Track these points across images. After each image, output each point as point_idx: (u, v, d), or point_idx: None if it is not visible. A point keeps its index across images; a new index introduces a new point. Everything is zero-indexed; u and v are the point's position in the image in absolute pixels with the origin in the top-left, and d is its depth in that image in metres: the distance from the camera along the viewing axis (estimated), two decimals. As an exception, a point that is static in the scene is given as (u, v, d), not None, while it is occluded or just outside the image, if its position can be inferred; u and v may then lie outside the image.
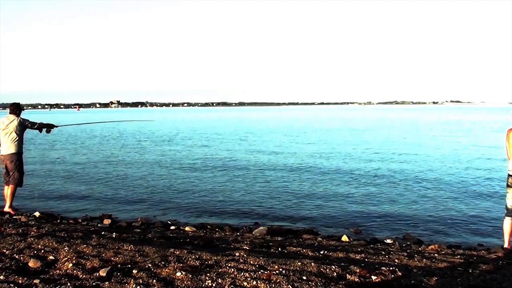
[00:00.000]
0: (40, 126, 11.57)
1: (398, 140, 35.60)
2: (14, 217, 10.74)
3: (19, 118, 11.44)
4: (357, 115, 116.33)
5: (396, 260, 6.90)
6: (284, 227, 10.86)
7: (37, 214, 11.39)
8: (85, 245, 6.96)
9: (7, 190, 11.40)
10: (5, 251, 6.71)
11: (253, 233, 10.10)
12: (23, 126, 11.36)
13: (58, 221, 10.82)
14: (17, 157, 11.29)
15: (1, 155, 11.38)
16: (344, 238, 9.77)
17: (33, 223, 9.73)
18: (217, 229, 10.50)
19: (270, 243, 8.21)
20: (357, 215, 12.30)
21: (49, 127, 11.83)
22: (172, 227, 10.66)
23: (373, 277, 5.61)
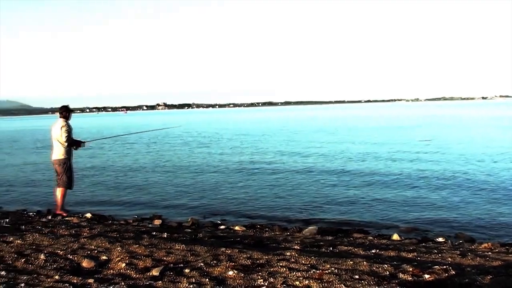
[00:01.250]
0: (70, 143, 11.62)
1: (447, 138, 34.74)
2: (66, 218, 10.96)
3: (64, 122, 11.60)
4: (405, 113, 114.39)
5: (449, 259, 6.74)
6: (334, 227, 10.77)
7: (88, 215, 11.60)
8: (137, 245, 7.04)
9: (58, 193, 11.65)
10: (59, 251, 6.85)
11: (303, 232, 10.03)
12: (64, 129, 11.44)
13: (109, 222, 10.98)
14: (65, 161, 11.51)
15: (52, 160, 11.65)
16: (395, 236, 9.60)
17: (85, 224, 9.92)
18: (266, 229, 10.48)
19: (320, 243, 8.14)
20: (408, 213, 12.12)
21: (78, 144, 11.91)
22: (222, 227, 10.69)
23: (426, 276, 5.50)
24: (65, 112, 11.75)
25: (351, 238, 9.22)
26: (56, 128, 11.52)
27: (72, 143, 11.65)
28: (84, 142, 12.23)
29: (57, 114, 12.00)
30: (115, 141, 42.41)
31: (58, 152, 11.48)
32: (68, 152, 11.57)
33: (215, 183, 17.05)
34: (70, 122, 11.82)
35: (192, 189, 15.86)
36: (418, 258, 6.70)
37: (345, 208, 12.75)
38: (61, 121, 11.56)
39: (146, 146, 35.31)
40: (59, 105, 12.11)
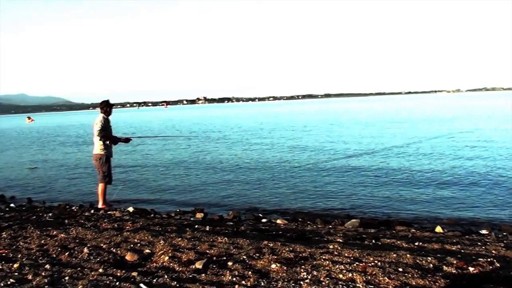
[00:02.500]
0: (105, 138, 11.71)
1: (488, 130, 33.95)
2: (109, 212, 11.13)
3: (101, 116, 11.67)
4: (446, 104, 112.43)
5: (494, 251, 6.63)
6: (377, 219, 10.67)
7: (131, 209, 11.75)
8: (180, 239, 7.09)
9: (99, 188, 11.82)
10: (102, 245, 6.96)
11: (345, 225, 9.96)
12: (99, 123, 11.52)
13: (152, 215, 11.10)
14: (101, 156, 11.60)
15: (92, 154, 11.81)
16: (438, 229, 9.48)
17: (127, 218, 10.05)
18: (308, 222, 10.43)
19: (363, 235, 8.08)
20: (451, 205, 11.93)
21: (115, 140, 11.99)
22: (264, 220, 10.68)
23: (471, 269, 5.43)
24: (106, 107, 11.84)
25: (394, 231, 9.12)
26: (95, 123, 11.64)
27: (106, 138, 11.70)
28: (127, 138, 12.36)
29: (98, 110, 12.12)
30: (157, 132, 43.00)
31: (95, 147, 11.63)
32: (105, 148, 11.63)
33: (256, 177, 17.03)
34: (110, 117, 11.96)
35: (233, 183, 15.90)
36: (462, 251, 6.60)
37: (387, 201, 12.60)
38: (99, 116, 11.70)
39: (186, 140, 35.61)
40: (99, 101, 12.22)
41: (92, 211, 11.26)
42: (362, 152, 22.66)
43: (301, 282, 5.10)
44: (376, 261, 5.71)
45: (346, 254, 6.10)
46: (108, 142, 11.74)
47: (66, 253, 6.56)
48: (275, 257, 6.01)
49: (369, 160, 20.01)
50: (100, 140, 11.59)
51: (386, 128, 38.35)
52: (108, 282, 5.27)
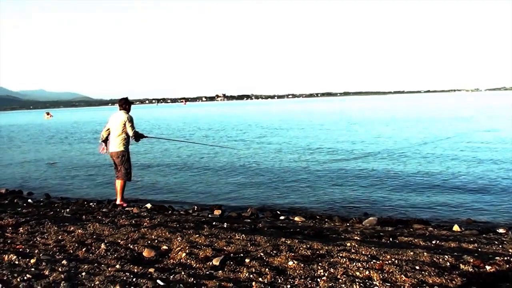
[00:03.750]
0: (136, 136, 11.84)
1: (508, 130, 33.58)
2: (127, 209, 11.20)
3: (127, 114, 11.79)
4: (465, 102, 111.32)
5: (510, 250, 6.58)
6: (394, 217, 10.66)
7: (148, 206, 11.81)
8: (197, 235, 7.13)
9: (118, 184, 11.90)
10: (120, 241, 7.01)
11: (363, 223, 9.96)
12: (130, 122, 11.69)
13: (169, 212, 11.17)
14: (123, 153, 11.68)
15: (110, 152, 11.88)
16: (456, 228, 9.46)
17: (145, 214, 10.12)
18: (326, 220, 10.45)
19: (380, 233, 8.07)
20: (469, 204, 11.91)
21: (141, 137, 12.09)
22: (281, 217, 10.70)
23: (488, 267, 5.43)
24: (125, 104, 11.94)
25: (411, 229, 9.10)
26: (116, 120, 11.70)
27: (138, 136, 11.87)
28: (146, 136, 12.45)
29: (117, 106, 12.19)
30: (173, 132, 43.24)
31: (116, 144, 11.67)
32: (126, 145, 11.73)
33: (274, 175, 16.99)
34: (131, 114, 12.05)
35: (252, 181, 15.90)
36: (479, 249, 6.58)
37: (405, 200, 12.56)
38: (123, 114, 11.71)
39: (203, 138, 35.73)
40: (118, 97, 12.30)
41: (110, 207, 11.34)
42: (380, 152, 22.54)
43: (318, 280, 5.10)
44: (393, 259, 5.72)
45: (363, 252, 6.10)
46: (133, 140, 11.89)
47: (83, 249, 6.62)
48: (292, 254, 6.02)
49: (387, 159, 19.92)
50: (134, 138, 11.75)
51: (405, 127, 38.13)
52: (125, 278, 5.31)
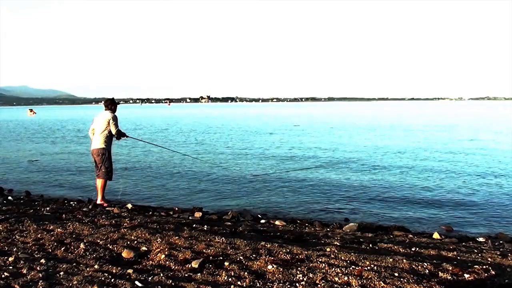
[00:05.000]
0: (118, 134, 11.88)
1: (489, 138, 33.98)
2: (107, 208, 11.15)
3: (112, 114, 11.83)
4: (449, 110, 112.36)
5: (489, 259, 6.67)
6: (375, 224, 10.71)
7: (129, 206, 11.75)
8: (177, 237, 7.11)
9: (98, 183, 11.84)
10: (99, 241, 6.97)
11: (343, 229, 9.99)
12: (114, 121, 11.70)
13: (150, 213, 11.11)
14: (104, 151, 11.65)
15: (91, 149, 11.84)
16: (436, 235, 9.54)
17: (125, 214, 10.08)
18: (307, 224, 10.47)
19: (360, 239, 8.10)
20: (449, 212, 12.01)
21: (123, 135, 12.12)
22: (262, 221, 10.70)
23: (466, 276, 5.48)
24: (111, 104, 12.00)
25: (391, 236, 9.15)
26: (101, 119, 11.71)
27: (121, 135, 11.88)
28: (127, 136, 12.43)
29: (102, 105, 12.21)
30: (157, 131, 43.11)
31: (97, 142, 11.66)
32: (108, 143, 11.72)
33: (256, 177, 17.05)
34: (116, 113, 12.05)
35: (233, 184, 15.87)
36: (459, 258, 6.64)
37: (386, 207, 12.61)
38: (108, 114, 11.77)
39: (185, 138, 35.67)
40: (103, 96, 12.30)
41: (90, 207, 11.26)
42: (362, 157, 22.67)
43: (297, 284, 5.11)
44: (372, 265, 5.74)
45: (342, 258, 6.12)
46: (115, 138, 11.89)
47: (62, 248, 6.57)
48: (272, 258, 6.02)
49: (369, 165, 20.01)
50: (117, 137, 11.77)
51: (388, 135, 38.26)
52: (103, 278, 5.28)
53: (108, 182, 12.06)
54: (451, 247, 7.57)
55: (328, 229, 9.85)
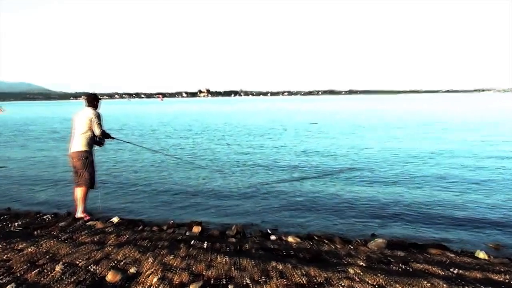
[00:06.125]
0: (103, 135, 11.89)
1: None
2: (89, 223, 11.11)
3: (95, 111, 11.86)
4: (494, 105, 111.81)
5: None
6: (407, 240, 10.63)
7: (115, 219, 11.74)
8: (172, 256, 7.09)
9: (79, 193, 11.82)
10: (78, 262, 6.96)
11: (368, 246, 9.93)
12: (98, 119, 11.71)
13: (140, 228, 11.10)
14: (86, 154, 11.67)
15: (69, 153, 11.82)
16: (481, 254, 9.44)
17: (111, 230, 10.06)
18: (325, 241, 10.41)
19: (390, 259, 8.06)
20: (497, 227, 11.85)
21: (108, 137, 12.14)
22: (273, 237, 10.66)
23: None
24: (94, 100, 12.04)
25: (427, 254, 9.09)
26: (82, 118, 11.72)
27: (105, 136, 11.91)
28: (113, 137, 12.43)
29: (82, 101, 12.22)
30: (147, 132, 43.14)
31: (78, 144, 11.65)
32: (90, 144, 11.75)
33: (265, 186, 17.00)
34: (99, 111, 12.06)
35: (237, 193, 15.83)
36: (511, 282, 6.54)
37: (419, 219, 12.53)
38: (90, 111, 11.80)
39: (180, 139, 35.68)
40: (83, 90, 12.34)
41: (69, 221, 11.25)
42: (390, 162, 22.55)
43: (315, 313, 5.08)
44: (405, 290, 5.70)
45: (369, 281, 6.09)
46: (98, 141, 11.89)
47: (34, 271, 6.56)
48: (285, 281, 6.00)
49: (398, 171, 19.86)
50: (101, 138, 11.77)
51: (421, 134, 38.09)
52: (83, 307, 5.27)
53: (90, 191, 12.07)
54: (501, 269, 7.51)
55: (351, 247, 9.81)
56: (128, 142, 16.89)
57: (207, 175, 19.30)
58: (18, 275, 6.49)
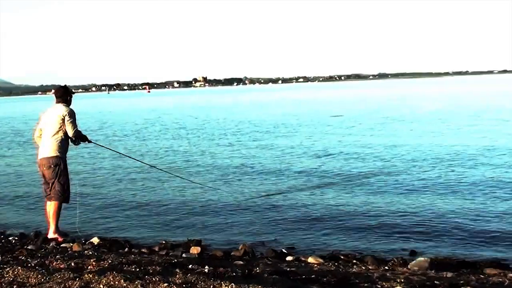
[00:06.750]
0: (77, 136, 11.89)
1: None
2: (63, 245, 11.14)
3: (67, 108, 11.84)
4: None
5: None
6: (455, 257, 10.55)
7: (95, 240, 11.75)
8: (166, 284, 7.11)
9: (50, 208, 11.80)
10: (52, 293, 6.98)
11: (409, 266, 9.91)
12: (71, 118, 11.67)
13: (126, 250, 11.13)
14: (57, 161, 11.65)
15: (38, 159, 11.79)
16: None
17: (90, 253, 10.07)
18: (354, 261, 10.39)
19: (435, 282, 8.06)
20: None
21: (84, 139, 12.13)
22: (289, 258, 10.67)
23: None
24: (65, 95, 11.98)
25: (482, 275, 9.06)
26: (52, 117, 11.68)
27: (80, 138, 11.92)
28: (90, 141, 12.45)
29: (50, 95, 12.24)
30: (131, 133, 43.20)
31: (48, 149, 11.62)
32: (63, 149, 11.73)
33: (276, 194, 16.97)
34: (72, 107, 12.03)
35: (244, 204, 15.80)
36: None
37: (471, 233, 12.43)
38: (61, 108, 11.77)
39: (171, 140, 35.72)
40: (51, 84, 12.33)
41: (39, 243, 11.28)
42: (431, 163, 22.35)
43: None
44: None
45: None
46: (72, 142, 11.90)
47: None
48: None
49: (440, 175, 19.66)
50: (75, 140, 11.76)
51: (470, 127, 37.80)
52: None
53: (64, 206, 12.06)
54: None
55: (387, 268, 9.80)
56: (108, 148, 16.90)
57: (205, 184, 19.23)
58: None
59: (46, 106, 12.13)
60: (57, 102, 11.90)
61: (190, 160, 25.58)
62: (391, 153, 25.60)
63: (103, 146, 15.76)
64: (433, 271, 9.38)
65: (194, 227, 13.71)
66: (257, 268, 8.96)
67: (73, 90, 12.50)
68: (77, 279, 7.51)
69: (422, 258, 10.26)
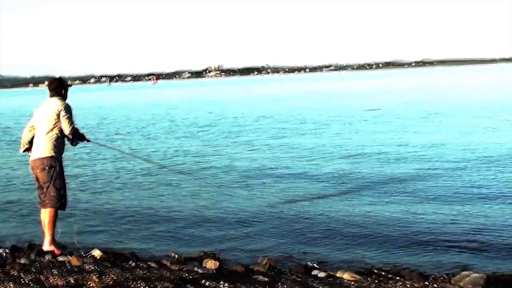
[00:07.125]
0: (74, 134, 11.83)
1: None
2: (60, 258, 11.13)
3: (62, 102, 11.79)
4: None
5: None
6: (513, 273, 10.49)
7: (97, 253, 11.71)
8: (178, 304, 7.10)
9: (45, 216, 11.77)
10: (49, 314, 6.99)
11: (461, 283, 9.85)
12: (67, 114, 11.61)
13: (132, 264, 11.11)
14: (52, 162, 11.58)
15: (32, 160, 11.76)
16: None
17: (91, 268, 10.08)
18: (394, 277, 10.34)
19: (490, 302, 7.99)
20: None
21: (81, 138, 12.10)
22: (320, 274, 10.62)
23: None
24: (60, 87, 11.94)
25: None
26: (46, 113, 11.66)
27: (78, 136, 11.92)
28: (89, 140, 12.45)
29: (43, 88, 12.24)
30: (136, 131, 43.33)
31: (41, 148, 11.57)
32: (58, 148, 11.68)
33: (303, 201, 16.96)
34: (68, 101, 12.00)
35: (266, 213, 15.73)
36: None
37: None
38: (56, 102, 11.72)
39: (181, 139, 35.75)
40: (44, 75, 12.34)
41: (33, 257, 11.30)
42: (480, 163, 22.23)
43: None
44: None
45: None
46: (69, 142, 11.90)
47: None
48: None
49: (491, 175, 19.61)
50: (72, 139, 11.77)
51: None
52: None
53: (60, 214, 12.05)
54: None
55: (435, 286, 9.74)
56: (110, 148, 16.92)
57: (220, 189, 19.21)
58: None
59: (40, 100, 12.06)
60: (51, 95, 11.82)
61: (204, 161, 25.61)
62: (435, 153, 25.47)
63: (104, 146, 15.81)
64: (488, 289, 9.32)
65: (210, 237, 13.68)
66: (284, 286, 8.95)
67: (69, 82, 12.46)
68: (77, 298, 7.53)
69: (475, 275, 10.17)
